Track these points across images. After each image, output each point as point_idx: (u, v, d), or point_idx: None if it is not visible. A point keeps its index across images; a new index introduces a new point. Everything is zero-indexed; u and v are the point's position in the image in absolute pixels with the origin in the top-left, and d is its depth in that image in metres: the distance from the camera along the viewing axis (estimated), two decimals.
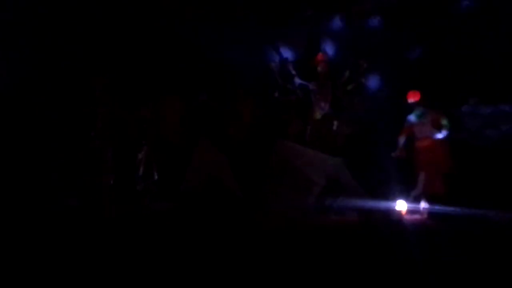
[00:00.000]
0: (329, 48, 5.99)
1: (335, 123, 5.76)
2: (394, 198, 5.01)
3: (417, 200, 5.12)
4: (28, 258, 3.22)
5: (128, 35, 5.77)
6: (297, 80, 5.85)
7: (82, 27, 5.59)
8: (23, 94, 5.31)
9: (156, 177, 5.22)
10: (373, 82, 5.69)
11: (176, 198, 5.15)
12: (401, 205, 4.98)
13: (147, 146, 5.23)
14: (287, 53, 6.12)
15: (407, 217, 4.96)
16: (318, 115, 5.77)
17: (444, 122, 5.07)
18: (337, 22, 5.93)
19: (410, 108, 5.21)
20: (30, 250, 3.39)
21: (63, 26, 5.52)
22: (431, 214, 4.96)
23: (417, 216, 5.05)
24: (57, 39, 5.49)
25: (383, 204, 4.90)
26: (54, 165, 5.11)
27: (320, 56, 5.83)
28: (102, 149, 5.02)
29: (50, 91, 5.38)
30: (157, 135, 5.43)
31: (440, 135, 5.00)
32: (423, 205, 5.08)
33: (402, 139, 5.22)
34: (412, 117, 5.18)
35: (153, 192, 5.20)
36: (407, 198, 5.10)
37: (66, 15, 5.55)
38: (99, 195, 4.86)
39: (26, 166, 5.00)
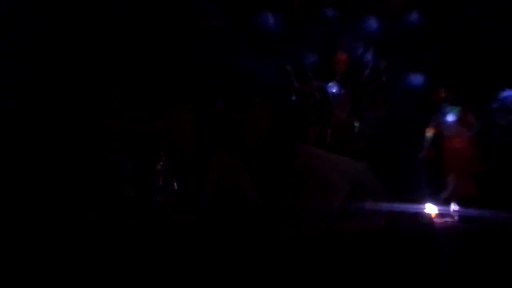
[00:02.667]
0: (347, 47, 5.79)
1: (357, 124, 5.58)
2: (422, 201, 4.81)
3: (447, 202, 4.94)
4: (48, 272, 3.20)
5: (140, 45, 5.72)
6: (315, 82, 5.67)
7: (96, 38, 5.57)
8: (40, 107, 5.32)
9: (175, 188, 5.17)
10: (395, 80, 5.47)
11: (196, 209, 5.07)
12: (430, 208, 4.79)
13: (165, 157, 5.17)
14: (302, 54, 5.96)
15: (437, 220, 4.77)
16: (338, 117, 5.59)
17: (473, 119, 4.88)
18: (356, 21, 5.74)
19: (436, 105, 5.04)
20: (50, 265, 3.36)
21: (78, 38, 5.51)
22: (462, 217, 4.76)
23: (447, 219, 4.86)
24: (73, 52, 5.48)
25: (411, 208, 4.71)
26: (73, 179, 5.10)
27: (339, 55, 5.62)
28: (121, 161, 5.01)
29: (67, 104, 5.38)
30: (174, 146, 5.36)
31: (469, 133, 4.81)
32: (454, 207, 4.90)
33: (428, 139, 5.04)
34: (438, 115, 4.99)
35: (173, 203, 5.14)
36: (436, 200, 4.91)
37: (80, 26, 5.54)
38: (120, 209, 4.85)
39: (44, 181, 5.01)
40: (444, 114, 4.95)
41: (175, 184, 5.18)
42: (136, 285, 3.11)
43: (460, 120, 4.89)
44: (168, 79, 5.69)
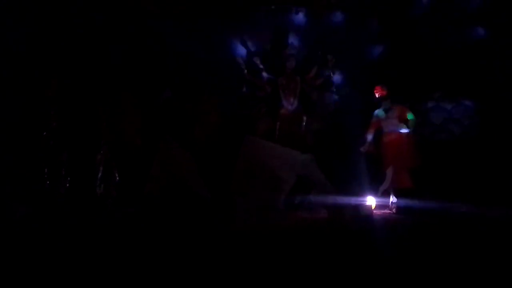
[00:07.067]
0: (296, 42, 5.88)
1: (304, 118, 5.68)
2: (363, 193, 5.00)
3: (385, 194, 5.17)
4: None
5: (84, 32, 5.38)
6: (265, 75, 5.70)
7: (34, 24, 5.16)
8: None
9: (117, 179, 4.91)
10: (340, 77, 5.65)
11: (138, 202, 4.85)
12: (370, 201, 4.99)
13: (106, 146, 4.89)
14: (253, 47, 5.95)
15: (376, 212, 4.98)
16: (287, 110, 5.65)
17: (410, 116, 5.14)
18: (303, 16, 5.84)
19: (377, 103, 5.25)
20: None
21: (14, 24, 5.07)
22: (399, 208, 5.01)
23: (385, 211, 5.10)
24: (10, 37, 5.04)
25: (352, 200, 4.88)
26: (2, 168, 4.67)
27: (290, 49, 5.68)
28: (56, 150, 4.67)
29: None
30: (117, 135, 5.09)
31: (406, 130, 5.07)
32: (392, 199, 5.14)
33: (370, 134, 5.25)
34: (379, 112, 5.22)
35: (114, 196, 4.88)
36: (376, 193, 5.12)
37: (17, 13, 5.10)
38: (53, 201, 4.51)
39: None
40: (384, 111, 5.18)
41: (116, 175, 4.93)
42: (67, 283, 2.87)
43: (398, 117, 5.13)
44: (114, 66, 5.41)
